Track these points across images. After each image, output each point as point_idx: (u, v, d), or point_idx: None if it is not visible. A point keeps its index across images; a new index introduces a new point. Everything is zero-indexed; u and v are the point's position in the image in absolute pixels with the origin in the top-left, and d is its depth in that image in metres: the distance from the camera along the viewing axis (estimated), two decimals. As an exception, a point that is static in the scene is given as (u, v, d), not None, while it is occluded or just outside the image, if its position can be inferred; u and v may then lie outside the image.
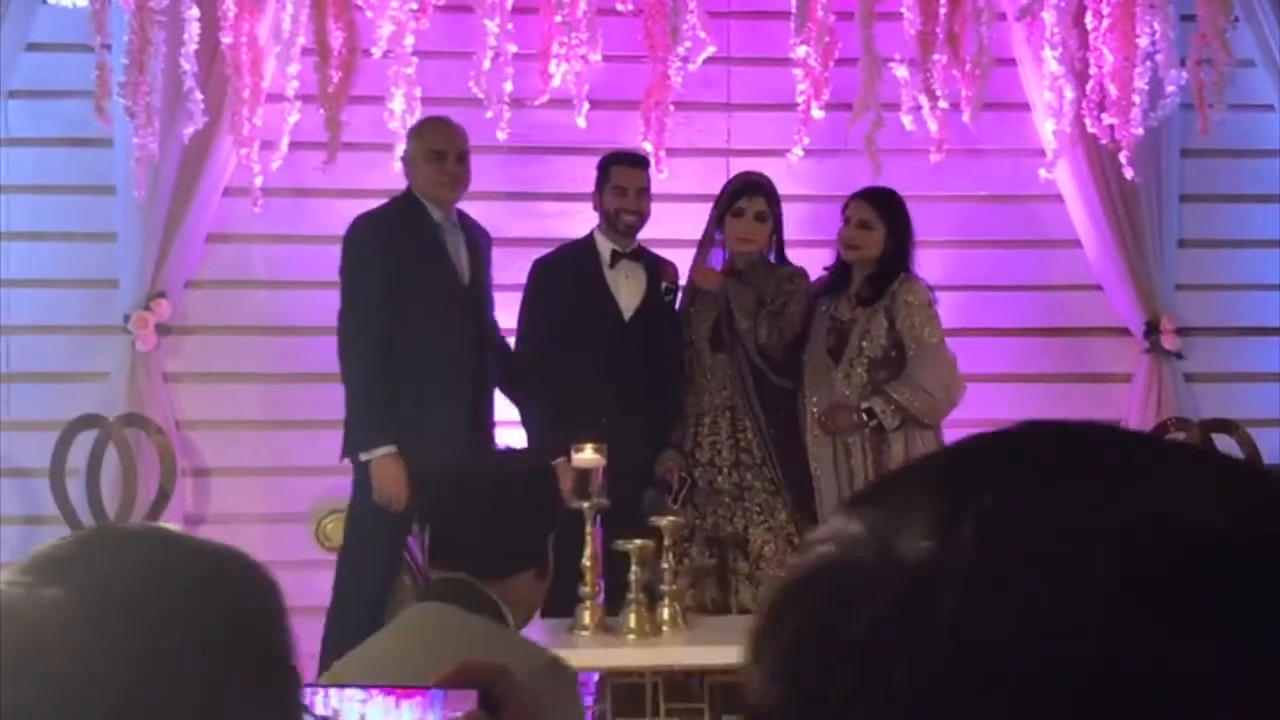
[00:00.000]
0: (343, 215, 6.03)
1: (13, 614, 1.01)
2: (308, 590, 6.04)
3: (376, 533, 4.93)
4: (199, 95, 5.52)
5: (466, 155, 5.09)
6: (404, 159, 5.12)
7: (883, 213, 5.14)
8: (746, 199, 5.07)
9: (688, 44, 5.67)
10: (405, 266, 4.94)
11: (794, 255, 5.27)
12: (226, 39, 5.51)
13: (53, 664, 0.99)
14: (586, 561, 4.27)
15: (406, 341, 4.91)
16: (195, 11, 5.43)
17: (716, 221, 5.18)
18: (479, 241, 5.18)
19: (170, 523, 5.76)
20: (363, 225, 5.05)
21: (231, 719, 1.05)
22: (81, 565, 1.06)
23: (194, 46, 5.46)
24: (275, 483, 6.06)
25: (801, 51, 5.68)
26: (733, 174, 5.49)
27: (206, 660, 1.04)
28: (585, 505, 4.27)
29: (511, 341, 5.34)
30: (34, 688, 0.98)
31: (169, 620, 1.03)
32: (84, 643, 1.00)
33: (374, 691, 1.46)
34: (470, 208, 5.29)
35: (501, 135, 5.41)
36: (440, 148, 5.02)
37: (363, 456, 4.91)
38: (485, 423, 5.10)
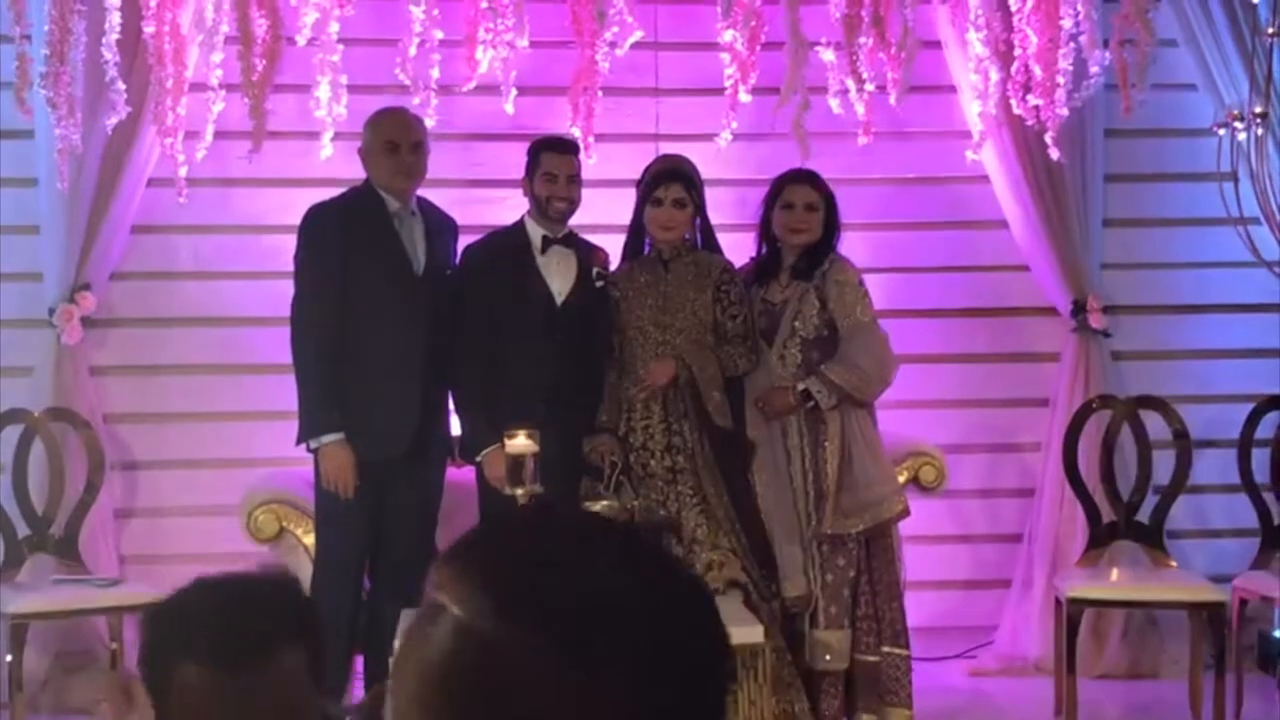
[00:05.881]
0: (269, 205, 6.01)
1: None
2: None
3: (345, 507, 4.93)
4: (121, 85, 5.46)
5: (422, 145, 5.08)
6: (360, 149, 5.11)
7: (823, 194, 5.16)
8: (663, 187, 5.06)
9: (615, 29, 5.67)
10: (358, 255, 4.94)
11: (724, 239, 5.27)
12: (149, 28, 5.46)
13: None
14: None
15: (359, 330, 4.92)
16: (116, 0, 5.37)
17: (638, 212, 5.16)
18: (440, 230, 5.17)
19: (100, 516, 5.72)
20: (317, 214, 5.04)
21: None
22: None
23: (116, 36, 5.39)
24: (205, 475, 6.02)
25: (728, 36, 5.69)
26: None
27: None
28: (519, 492, 4.26)
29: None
30: None
31: None
32: None
33: None
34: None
35: (429, 122, 5.38)
36: (394, 138, 5.02)
37: (311, 444, 4.93)
38: (438, 410, 5.09)
